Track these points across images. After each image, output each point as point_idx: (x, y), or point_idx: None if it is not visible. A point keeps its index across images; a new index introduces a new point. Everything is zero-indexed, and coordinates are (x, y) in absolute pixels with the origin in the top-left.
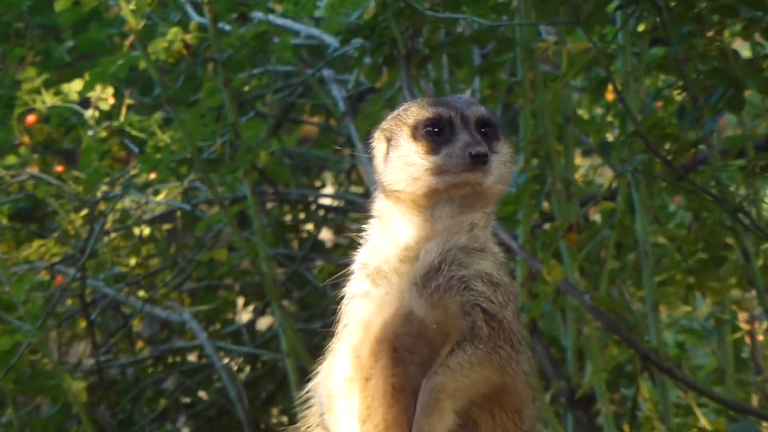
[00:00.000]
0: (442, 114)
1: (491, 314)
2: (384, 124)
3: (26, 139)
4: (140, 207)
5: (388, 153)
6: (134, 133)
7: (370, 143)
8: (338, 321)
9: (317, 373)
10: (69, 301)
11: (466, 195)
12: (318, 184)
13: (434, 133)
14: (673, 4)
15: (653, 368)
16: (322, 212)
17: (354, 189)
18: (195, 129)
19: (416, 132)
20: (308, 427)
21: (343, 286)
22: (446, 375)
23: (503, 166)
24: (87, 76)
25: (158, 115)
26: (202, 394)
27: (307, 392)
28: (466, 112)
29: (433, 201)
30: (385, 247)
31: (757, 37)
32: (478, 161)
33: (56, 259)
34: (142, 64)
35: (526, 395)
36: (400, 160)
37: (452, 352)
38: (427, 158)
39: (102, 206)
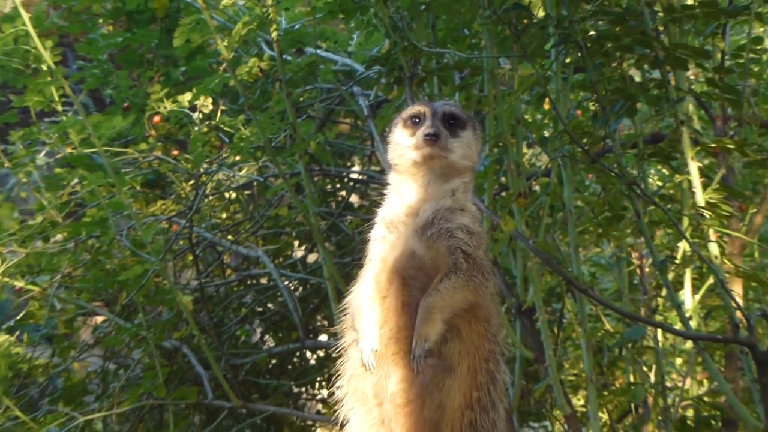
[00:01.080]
0: (420, 110)
1: (468, 254)
2: (394, 122)
3: (153, 132)
4: (229, 179)
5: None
6: (226, 128)
7: (386, 136)
8: (366, 257)
9: (350, 292)
10: (181, 242)
11: (440, 167)
12: (349, 164)
13: (414, 123)
14: (589, 44)
15: (574, 290)
16: (351, 183)
17: (373, 168)
18: (266, 126)
19: (405, 122)
20: (343, 328)
21: (367, 233)
22: (437, 295)
23: (466, 147)
24: (194, 90)
25: (242, 117)
26: (270, 305)
27: (344, 305)
28: (438, 109)
29: (420, 171)
30: (396, 206)
31: (646, 67)
32: (429, 139)
33: (173, 213)
34: (232, 82)
35: (493, 309)
36: (395, 141)
37: (442, 279)
38: (408, 139)
39: (203, 178)
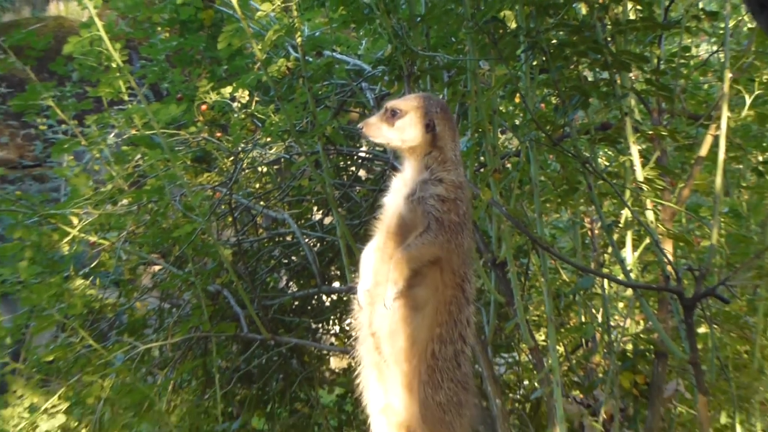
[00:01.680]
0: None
1: (437, 218)
2: None
3: (201, 118)
4: (262, 156)
5: None
6: (259, 115)
7: None
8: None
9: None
10: (223, 206)
11: (395, 148)
12: (358, 145)
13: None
14: (552, 50)
15: (538, 247)
16: (359, 160)
17: (377, 148)
18: (292, 114)
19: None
20: (357, 275)
21: (371, 200)
22: (408, 249)
23: (400, 131)
24: (234, 85)
25: (272, 106)
26: (293, 258)
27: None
28: (385, 104)
29: (398, 153)
30: (398, 177)
31: (597, 69)
32: (362, 129)
33: (216, 183)
34: (264, 78)
35: (458, 262)
36: None
37: (416, 237)
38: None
39: (241, 155)
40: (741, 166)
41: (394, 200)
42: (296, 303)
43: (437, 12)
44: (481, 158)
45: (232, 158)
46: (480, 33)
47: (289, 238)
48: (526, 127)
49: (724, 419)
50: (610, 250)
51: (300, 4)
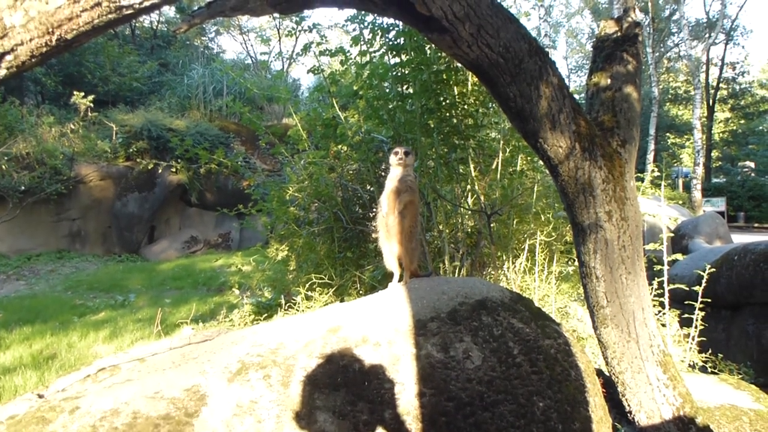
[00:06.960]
0: (397, 149)
1: (410, 186)
2: (392, 151)
3: (331, 155)
4: (350, 167)
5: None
6: (349, 154)
7: (389, 154)
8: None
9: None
10: (336, 184)
11: (395, 164)
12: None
13: (395, 153)
14: (446, 131)
15: (440, 197)
16: (383, 167)
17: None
18: (361, 154)
19: (392, 152)
20: (380, 206)
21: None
22: (401, 195)
23: (396, 157)
24: (341, 144)
25: (353, 150)
26: (360, 200)
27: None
28: (394, 149)
29: (396, 164)
30: (393, 174)
31: (460, 139)
32: (399, 159)
33: (335, 175)
34: (351, 142)
35: (416, 202)
36: (391, 157)
37: (403, 194)
38: (394, 158)
39: (343, 166)
40: (505, 171)
41: (393, 179)
42: (362, 215)
43: (408, 119)
44: (421, 168)
45: (340, 168)
46: (422, 128)
47: (358, 194)
48: (437, 158)
49: (499, 254)
50: (464, 198)
51: (364, 117)
